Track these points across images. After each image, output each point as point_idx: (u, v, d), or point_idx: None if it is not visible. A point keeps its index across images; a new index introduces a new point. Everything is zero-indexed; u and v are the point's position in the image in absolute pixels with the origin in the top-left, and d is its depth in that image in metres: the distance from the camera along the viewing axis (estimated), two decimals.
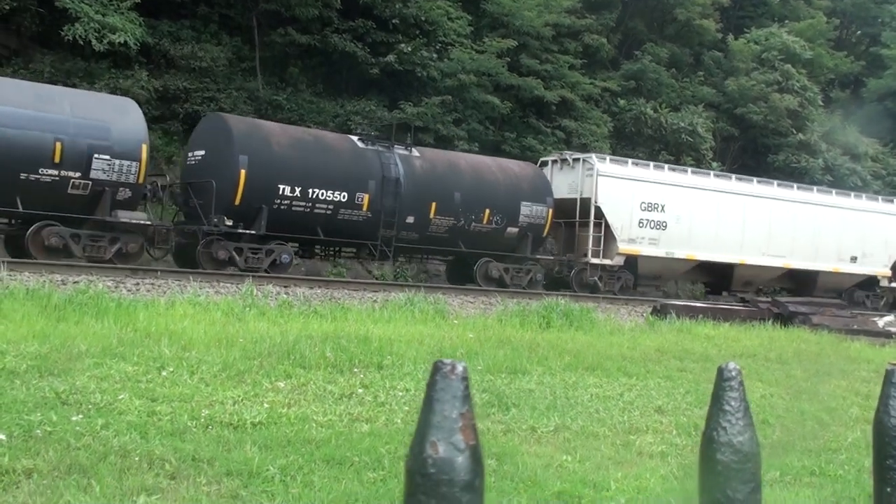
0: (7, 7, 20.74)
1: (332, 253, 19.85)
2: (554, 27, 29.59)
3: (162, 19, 24.18)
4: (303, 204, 17.21)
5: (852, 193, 27.01)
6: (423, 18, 27.08)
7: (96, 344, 7.10)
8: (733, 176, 24.78)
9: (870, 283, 26.22)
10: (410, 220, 18.63)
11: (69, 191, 14.89)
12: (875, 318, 17.85)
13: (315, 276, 19.43)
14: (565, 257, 21.62)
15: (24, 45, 22.43)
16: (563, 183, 21.87)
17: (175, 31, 24.27)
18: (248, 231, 16.65)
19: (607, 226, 21.11)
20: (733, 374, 2.25)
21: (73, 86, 20.52)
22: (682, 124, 31.28)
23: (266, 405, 5.88)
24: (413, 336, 9.40)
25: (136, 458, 4.57)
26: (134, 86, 21.71)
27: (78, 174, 14.89)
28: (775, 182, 25.37)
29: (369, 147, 18.61)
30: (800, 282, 25.00)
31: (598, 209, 21.01)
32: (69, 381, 5.87)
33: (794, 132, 33.99)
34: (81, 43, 20.62)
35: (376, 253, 18.47)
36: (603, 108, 31.56)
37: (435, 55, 26.90)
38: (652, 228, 21.75)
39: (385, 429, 5.66)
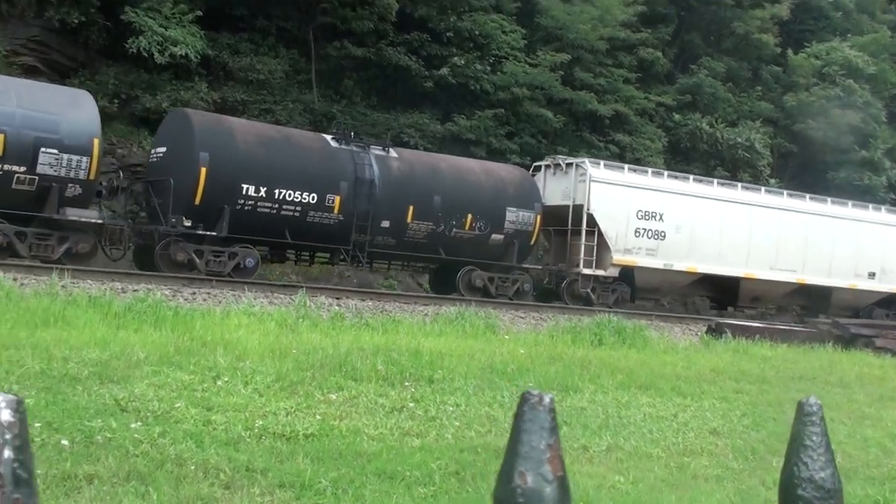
0: (76, 21, 21.36)
1: (304, 258, 18.78)
2: (608, 41, 29.44)
3: (222, 32, 24.64)
4: (268, 205, 16.25)
5: (871, 206, 25.34)
6: (477, 32, 27.18)
7: (154, 352, 7.23)
8: (739, 184, 23.38)
9: (890, 301, 24.56)
10: (386, 224, 17.58)
11: (13, 186, 14.07)
12: None
13: (367, 288, 19.54)
14: (555, 267, 20.41)
15: (91, 57, 23.05)
16: (557, 189, 20.69)
17: (234, 43, 24.72)
18: (209, 233, 15.74)
19: (600, 234, 19.87)
20: (814, 408, 2.21)
21: (136, 97, 21.04)
22: (739, 140, 30.82)
23: (318, 417, 5.93)
24: (464, 350, 9.39)
25: (192, 467, 4.64)
26: (194, 97, 22.15)
27: (23, 168, 14.07)
28: (785, 192, 23.96)
29: (343, 147, 17.58)
30: (813, 298, 23.59)
31: (590, 217, 19.77)
32: (128, 389, 5.99)
33: (857, 149, 33.25)
34: (145, 55, 21.13)
35: (349, 258, 17.52)
36: (657, 122, 31.26)
37: (488, 68, 26.97)
38: (649, 238, 20.42)
39: (436, 444, 5.66)
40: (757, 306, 23.32)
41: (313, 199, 16.73)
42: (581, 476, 5.26)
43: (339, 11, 24.81)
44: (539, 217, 19.52)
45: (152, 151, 17.15)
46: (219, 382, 6.53)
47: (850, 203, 24.92)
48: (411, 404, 6.66)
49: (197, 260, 15.63)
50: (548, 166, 21.30)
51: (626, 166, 21.64)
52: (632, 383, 8.58)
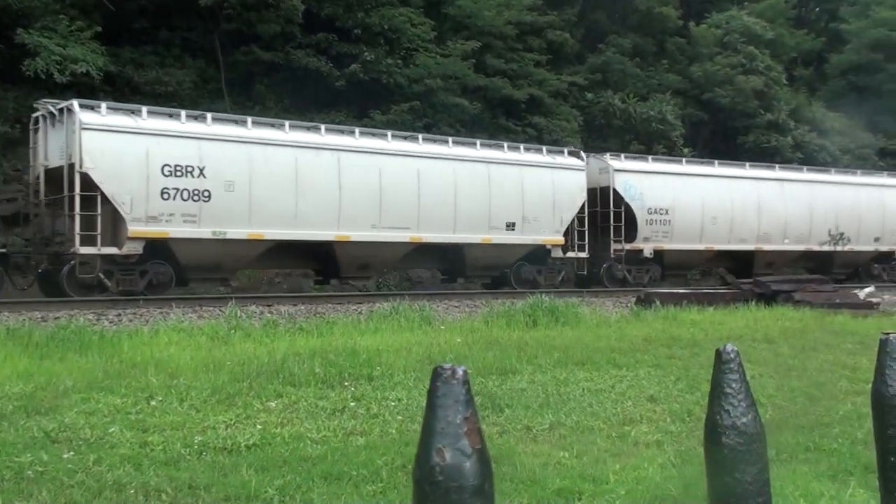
0: None
1: None
2: (516, 25, 29.73)
3: (124, 46, 24.02)
4: None
5: (506, 144, 21.61)
6: (385, 27, 27.11)
7: (82, 379, 7.03)
8: (322, 127, 18.83)
9: (539, 254, 21.12)
10: None
11: None
12: (856, 291, 18.01)
13: (298, 292, 19.32)
14: (28, 249, 16.00)
15: None
16: (56, 146, 15.96)
17: (137, 57, 24.13)
18: None
19: (106, 200, 15.37)
20: (731, 356, 2.26)
21: None
22: (652, 113, 31.50)
23: (259, 426, 5.84)
24: (401, 345, 9.38)
25: (132, 491, 4.52)
26: None
27: None
28: (390, 133, 19.76)
29: None
30: (444, 259, 20.55)
31: (86, 177, 15.18)
32: (57, 419, 5.81)
33: (762, 112, 34.33)
34: (44, 77, 20.45)
35: None
36: (571, 102, 31.71)
37: (400, 62, 26.93)
38: (185, 200, 16.04)
39: (380, 440, 5.64)
40: (368, 275, 19.83)
41: None
42: (526, 455, 5.30)
43: (243, 16, 24.44)
44: None
45: None
46: (153, 402, 6.38)
47: (478, 142, 21.23)
48: (352, 404, 6.62)
49: None
50: (44, 117, 16.45)
51: (146, 108, 16.70)
52: (568, 360, 8.68)
